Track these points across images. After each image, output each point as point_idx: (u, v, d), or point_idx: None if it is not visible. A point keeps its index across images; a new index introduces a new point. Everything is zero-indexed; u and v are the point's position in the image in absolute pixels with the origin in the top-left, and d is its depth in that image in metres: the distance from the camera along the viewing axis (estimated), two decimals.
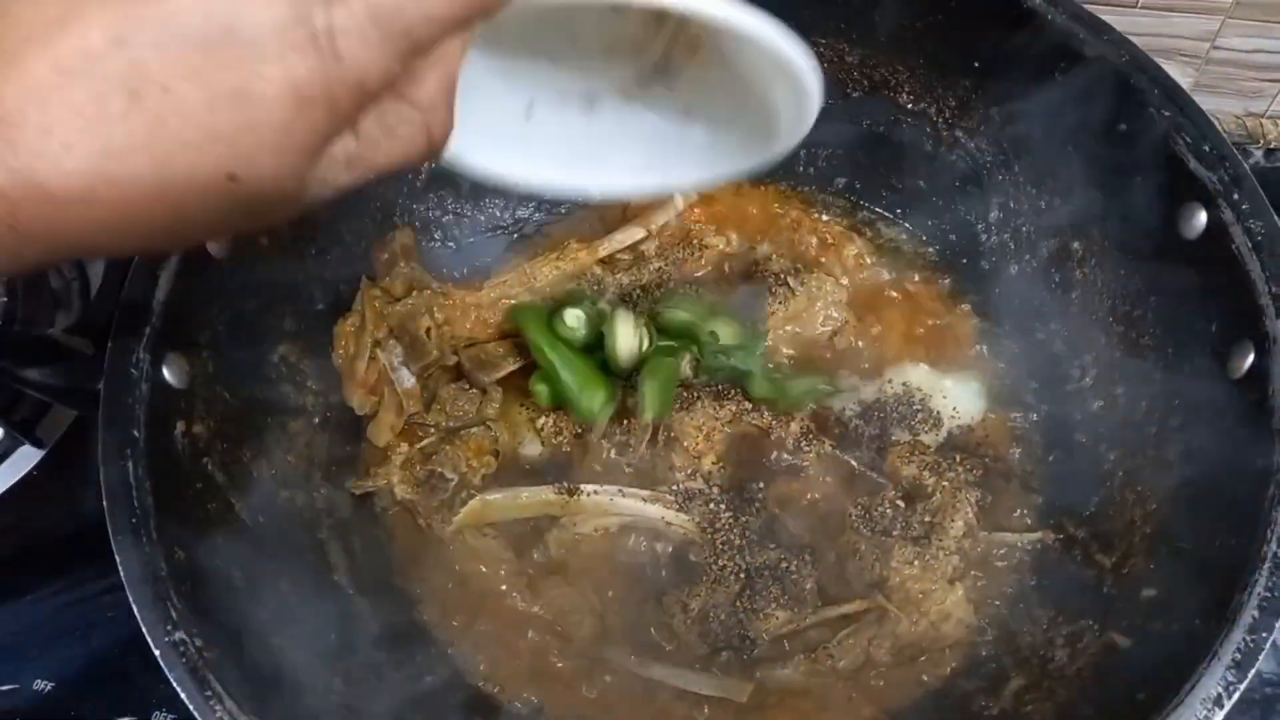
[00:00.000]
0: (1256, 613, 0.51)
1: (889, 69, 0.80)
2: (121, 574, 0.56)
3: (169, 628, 0.54)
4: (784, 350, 0.78)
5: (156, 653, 0.54)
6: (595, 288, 0.80)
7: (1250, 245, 0.60)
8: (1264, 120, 1.01)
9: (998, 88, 0.75)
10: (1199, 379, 0.64)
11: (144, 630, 0.54)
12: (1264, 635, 0.51)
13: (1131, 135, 0.68)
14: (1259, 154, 1.02)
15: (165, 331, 0.63)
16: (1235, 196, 0.62)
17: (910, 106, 0.81)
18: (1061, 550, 0.69)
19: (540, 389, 0.74)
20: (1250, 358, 0.59)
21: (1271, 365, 0.57)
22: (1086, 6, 0.89)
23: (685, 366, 0.73)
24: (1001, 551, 0.70)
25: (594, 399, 0.72)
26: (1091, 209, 0.73)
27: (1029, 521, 0.72)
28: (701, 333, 0.74)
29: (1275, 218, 0.61)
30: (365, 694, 0.64)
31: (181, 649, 0.54)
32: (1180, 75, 0.99)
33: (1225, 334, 0.62)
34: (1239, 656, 0.50)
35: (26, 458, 0.88)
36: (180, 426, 0.64)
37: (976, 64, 0.75)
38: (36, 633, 0.82)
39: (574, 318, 0.74)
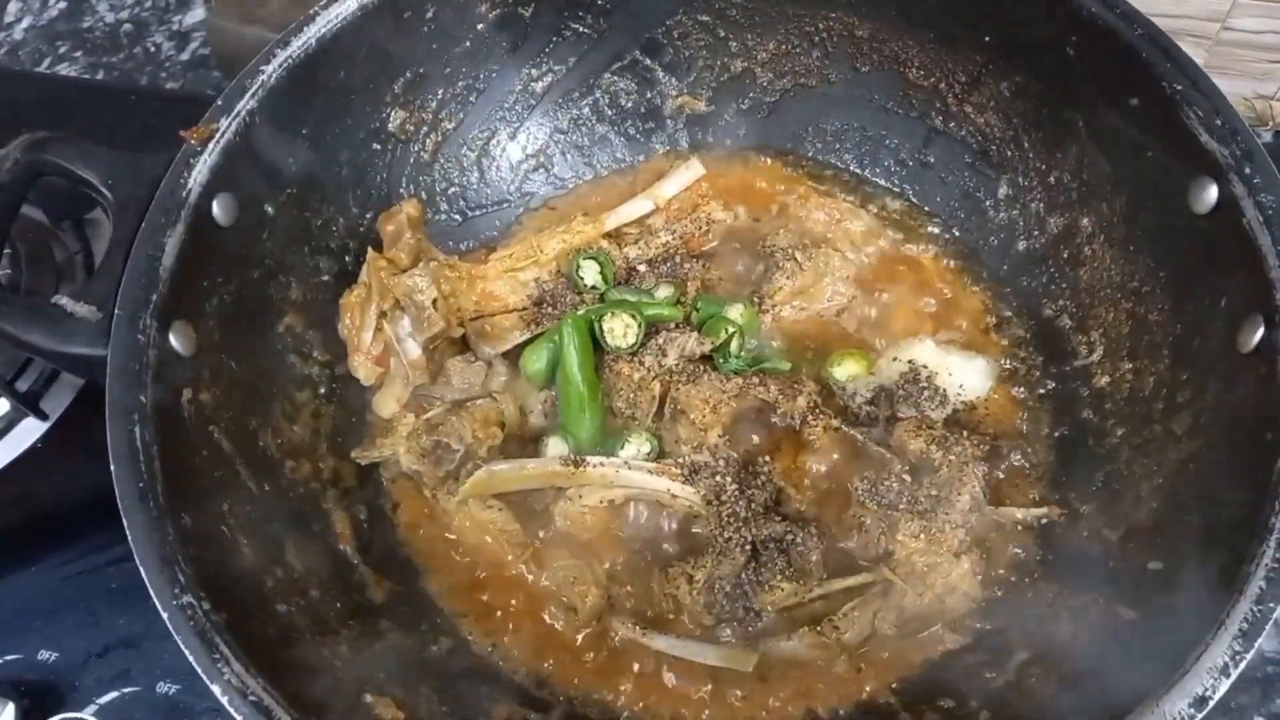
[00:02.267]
0: (1264, 583, 0.51)
1: (899, 44, 0.79)
2: (129, 538, 0.56)
3: (176, 591, 0.55)
4: (791, 324, 0.78)
5: (164, 615, 0.54)
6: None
7: (1261, 219, 0.60)
8: (1273, 102, 1.01)
9: (1008, 63, 0.75)
10: (1208, 353, 0.64)
11: (152, 593, 0.54)
12: (1271, 605, 0.51)
13: (1143, 109, 0.67)
14: (1268, 136, 1.01)
15: (172, 299, 0.63)
16: (1247, 170, 0.61)
17: (920, 82, 0.80)
18: (1067, 525, 0.69)
19: (534, 368, 0.74)
20: (1260, 331, 0.59)
21: None
22: None
23: (693, 344, 0.73)
24: (1007, 526, 0.70)
25: (581, 430, 0.73)
26: (1102, 184, 0.73)
27: (1035, 496, 0.72)
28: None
29: None
30: (371, 661, 0.64)
31: (189, 612, 0.54)
32: (1191, 57, 0.99)
33: (1235, 308, 0.61)
34: (1245, 626, 0.51)
35: (31, 430, 0.88)
36: (187, 394, 0.64)
37: (987, 39, 0.75)
38: (41, 604, 0.83)
39: (623, 326, 0.74)
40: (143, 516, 0.56)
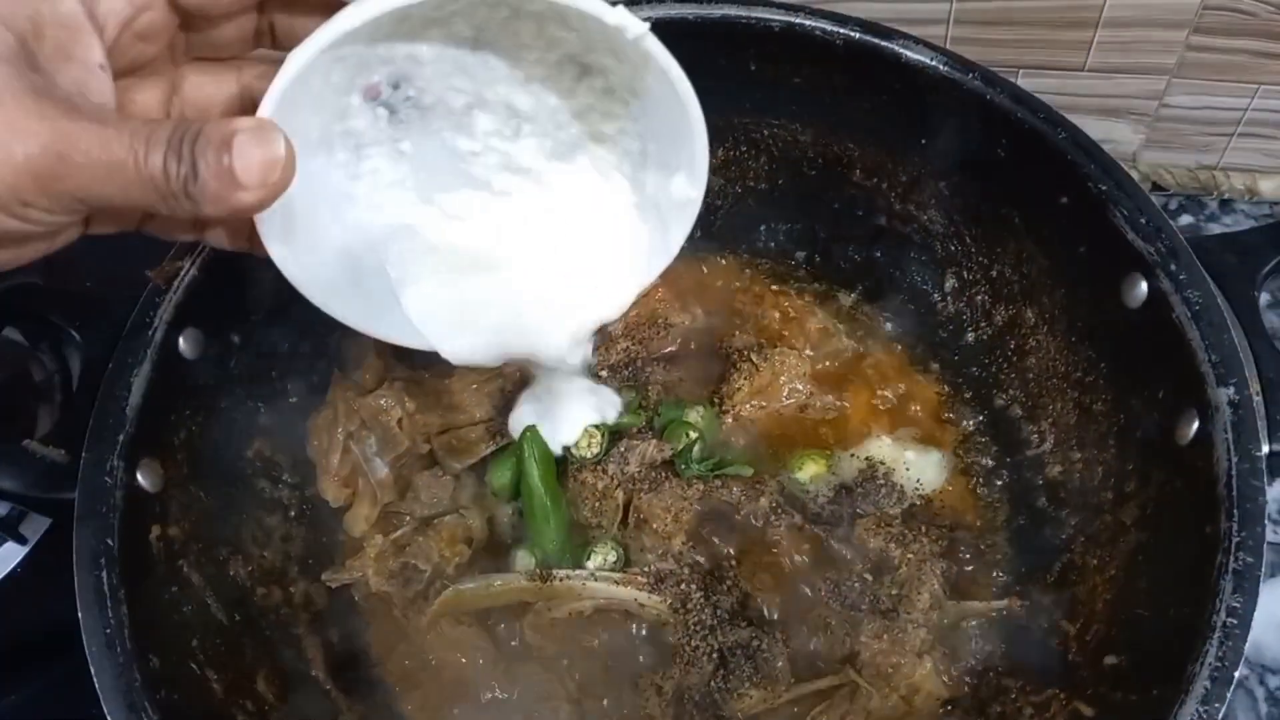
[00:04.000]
0: (1209, 683, 0.52)
1: (841, 147, 0.82)
2: (95, 684, 0.57)
3: None
4: (751, 425, 0.80)
5: None
6: None
7: (1190, 314, 0.62)
8: (1216, 172, 1.04)
9: (945, 164, 0.78)
10: (1149, 444, 0.65)
11: None
12: (1216, 705, 0.52)
13: (1073, 208, 0.70)
14: (1214, 204, 1.04)
15: (139, 437, 0.65)
16: (1173, 267, 0.64)
17: (863, 182, 0.83)
18: (1027, 618, 0.70)
19: (500, 482, 0.75)
20: (1195, 424, 0.60)
21: (1215, 432, 0.59)
22: (1034, 74, 0.93)
23: (653, 450, 0.75)
24: (969, 621, 0.71)
25: (547, 541, 0.74)
26: (1041, 278, 0.75)
27: (994, 589, 0.73)
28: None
29: (1212, 287, 0.63)
30: None
31: None
32: (1133, 133, 1.02)
33: (1171, 401, 0.63)
34: None
35: (9, 556, 0.88)
36: (155, 531, 0.65)
37: (924, 141, 0.77)
38: None
39: (587, 437, 0.75)
40: (109, 664, 0.57)
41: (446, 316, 0.60)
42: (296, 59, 0.45)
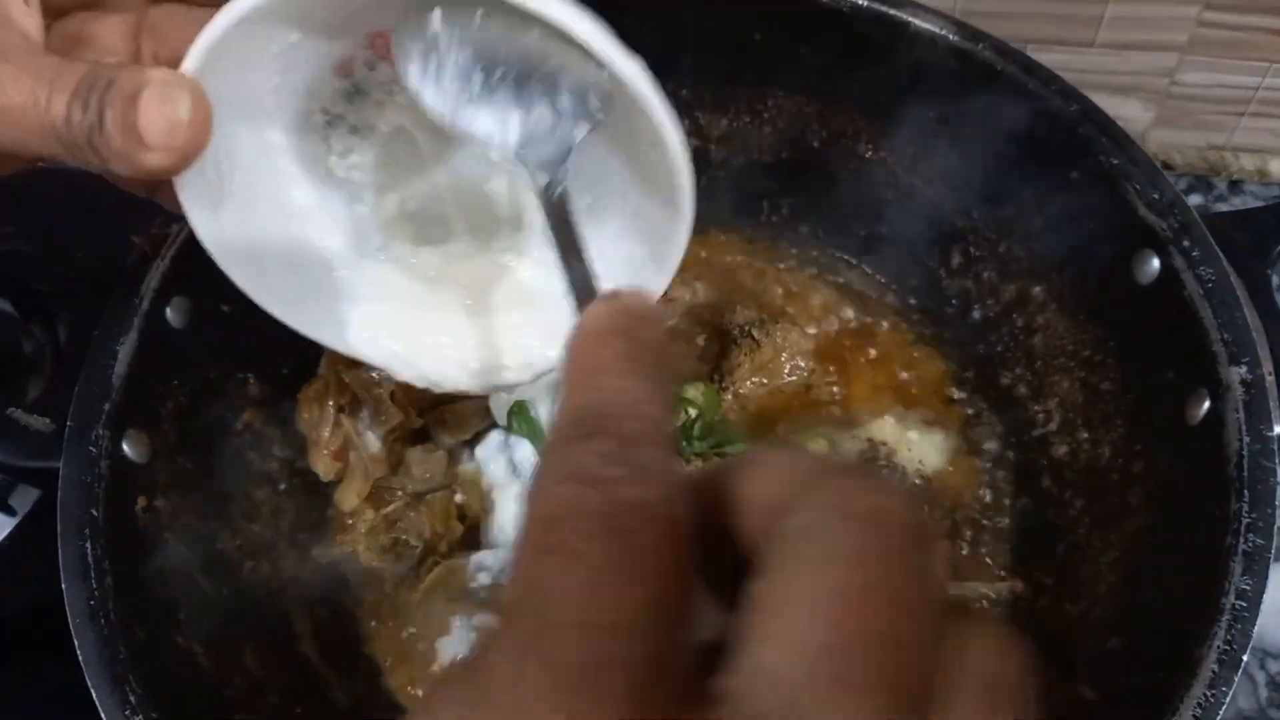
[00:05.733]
0: (1216, 666, 0.51)
1: (847, 119, 0.80)
2: (80, 657, 0.56)
3: (127, 713, 0.54)
4: (751, 402, 0.79)
5: None
6: None
7: (1201, 292, 0.61)
8: (1226, 153, 1.03)
9: (953, 137, 0.76)
10: (1158, 424, 0.64)
11: (102, 716, 0.54)
12: (1223, 689, 0.51)
13: (1083, 182, 0.69)
14: (1222, 185, 1.03)
15: (125, 407, 0.63)
16: (1185, 243, 0.62)
17: (869, 155, 0.81)
18: (1031, 599, 0.69)
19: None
20: (1205, 404, 0.59)
21: (1226, 412, 0.58)
22: (1043, 48, 0.91)
23: None
24: (971, 602, 0.70)
25: None
26: (1050, 254, 0.74)
27: (999, 570, 0.71)
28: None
29: (1225, 264, 0.62)
30: None
31: None
32: (1143, 111, 1.01)
33: (1181, 379, 0.62)
34: (1199, 712, 0.50)
35: None
36: (142, 502, 0.63)
37: (931, 114, 0.76)
38: (20, 708, 0.81)
39: None
40: (93, 635, 0.56)
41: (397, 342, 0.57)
42: (238, 6, 0.39)
